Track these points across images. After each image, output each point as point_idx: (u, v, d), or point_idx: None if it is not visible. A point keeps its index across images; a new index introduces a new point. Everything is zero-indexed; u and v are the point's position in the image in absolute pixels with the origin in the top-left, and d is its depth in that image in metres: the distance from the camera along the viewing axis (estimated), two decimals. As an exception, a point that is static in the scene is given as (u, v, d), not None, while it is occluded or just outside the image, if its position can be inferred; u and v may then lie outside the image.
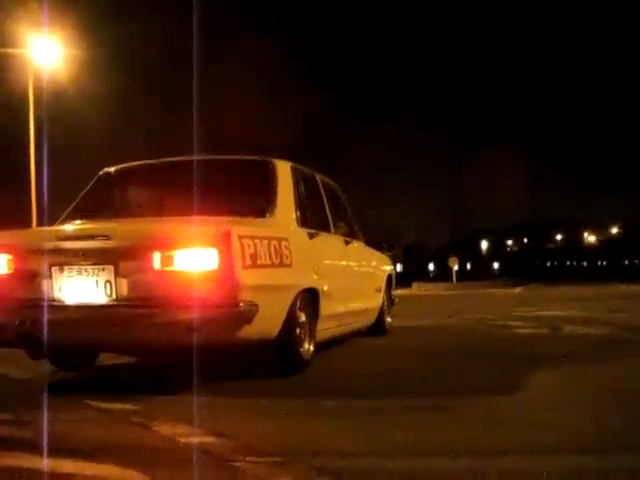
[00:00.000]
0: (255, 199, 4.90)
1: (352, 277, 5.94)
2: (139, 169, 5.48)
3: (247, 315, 3.79)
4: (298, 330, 4.45)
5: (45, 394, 3.80)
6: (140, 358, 5.26)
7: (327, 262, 5.24)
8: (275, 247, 4.19)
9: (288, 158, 5.25)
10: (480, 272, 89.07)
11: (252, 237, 3.96)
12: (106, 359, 5.11)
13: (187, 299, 3.71)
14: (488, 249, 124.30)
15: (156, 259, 3.82)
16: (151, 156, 5.56)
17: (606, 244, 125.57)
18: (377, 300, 6.90)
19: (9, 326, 3.97)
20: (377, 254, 7.30)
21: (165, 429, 2.89)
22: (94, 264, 3.91)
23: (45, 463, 2.40)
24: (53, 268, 3.98)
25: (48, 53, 20.91)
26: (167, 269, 3.81)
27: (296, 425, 3.02)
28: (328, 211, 5.68)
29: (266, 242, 4.10)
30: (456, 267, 42.64)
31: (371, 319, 6.75)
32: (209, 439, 2.70)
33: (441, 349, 6.10)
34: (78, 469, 2.32)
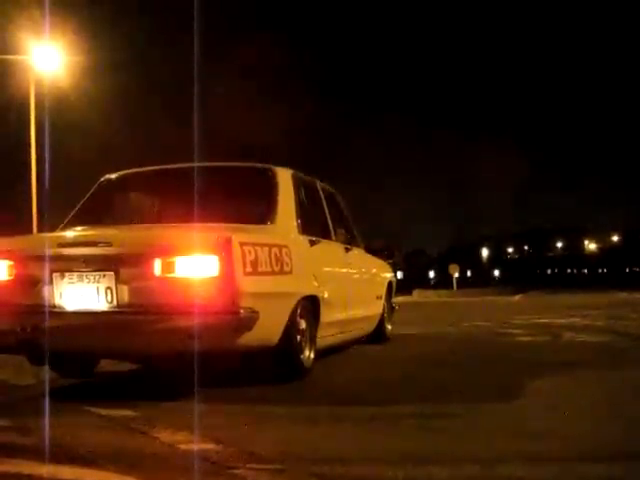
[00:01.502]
0: (256, 206, 4.91)
1: (352, 284, 5.94)
2: (140, 176, 5.50)
3: (248, 322, 3.80)
4: (298, 337, 4.45)
5: (46, 400, 3.80)
6: (140, 365, 5.26)
7: (327, 269, 5.24)
8: (276, 254, 4.20)
9: (287, 161, 5.27)
10: (480, 279, 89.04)
11: (253, 244, 3.97)
12: (107, 365, 5.11)
13: (188, 306, 3.72)
14: (488, 256, 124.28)
15: (157, 266, 3.83)
16: (152, 162, 5.58)
17: (606, 252, 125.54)
18: (377, 307, 6.90)
19: (10, 332, 3.98)
20: (377, 261, 7.30)
21: (165, 436, 2.89)
22: (95, 270, 3.92)
23: (45, 469, 2.39)
24: (54, 274, 3.98)
25: (49, 59, 20.95)
26: (168, 276, 3.81)
27: (296, 432, 3.02)
28: (328, 218, 5.68)
29: (267, 249, 4.11)
30: (456, 274, 42.72)
31: (371, 326, 6.75)
32: (209, 446, 2.70)
33: (441, 357, 6.10)
34: (78, 475, 2.32)
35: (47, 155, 19.85)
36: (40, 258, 4.05)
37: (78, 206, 5.16)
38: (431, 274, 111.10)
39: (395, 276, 8.11)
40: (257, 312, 3.83)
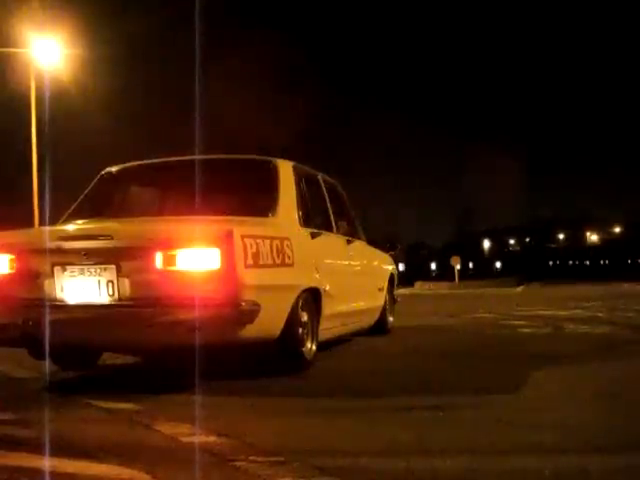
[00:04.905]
0: (257, 199, 4.91)
1: (354, 276, 5.94)
2: (141, 169, 5.49)
3: (249, 315, 3.80)
4: (300, 330, 4.45)
5: (47, 393, 3.81)
6: (142, 358, 5.26)
7: (329, 261, 5.24)
8: (277, 247, 4.19)
9: (287, 157, 5.25)
10: (482, 271, 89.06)
11: (254, 237, 3.96)
12: (108, 358, 5.11)
13: (189, 299, 3.72)
14: (490, 248, 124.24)
15: (158, 259, 3.82)
16: (153, 156, 5.57)
17: (608, 243, 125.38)
18: (379, 299, 6.90)
19: (11, 326, 3.98)
20: (379, 253, 7.30)
21: (167, 428, 2.89)
22: (96, 264, 3.91)
23: (47, 463, 2.40)
24: (55, 268, 3.98)
25: (50, 53, 20.92)
26: (169, 269, 3.81)
27: (298, 424, 3.02)
28: (330, 210, 5.68)
29: (268, 242, 4.10)
30: (458, 266, 42.74)
31: (373, 318, 6.75)
32: (211, 438, 2.70)
33: (443, 348, 6.10)
34: (80, 469, 2.32)
35: (48, 146, 19.84)
36: (41, 251, 4.04)
37: (79, 199, 5.16)
38: (433, 266, 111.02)
39: (397, 268, 8.11)
40: (259, 305, 3.83)
